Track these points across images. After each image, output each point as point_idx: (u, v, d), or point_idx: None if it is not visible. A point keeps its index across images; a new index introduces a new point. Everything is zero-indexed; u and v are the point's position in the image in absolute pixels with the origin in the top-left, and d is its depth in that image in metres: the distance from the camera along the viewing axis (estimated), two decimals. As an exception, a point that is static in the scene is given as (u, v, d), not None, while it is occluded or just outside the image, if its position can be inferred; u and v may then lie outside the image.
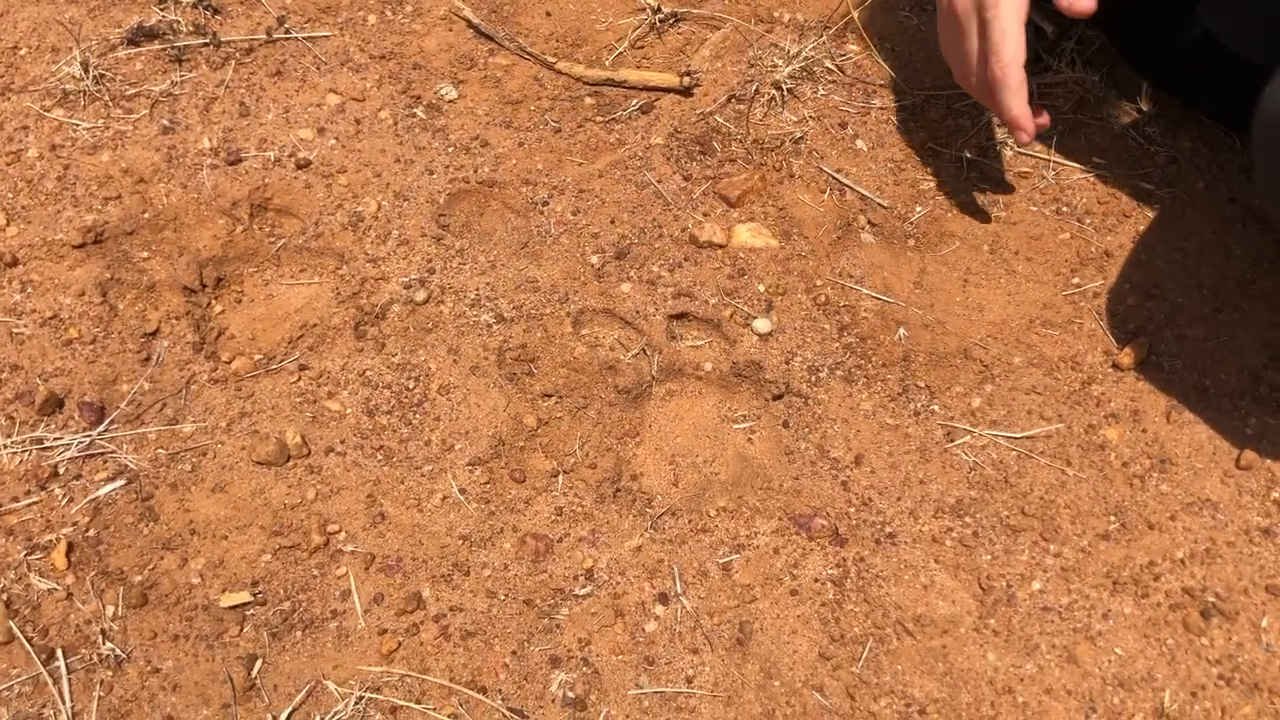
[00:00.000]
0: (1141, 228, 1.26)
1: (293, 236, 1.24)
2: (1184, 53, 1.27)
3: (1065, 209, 1.28)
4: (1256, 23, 1.13)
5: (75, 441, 1.06)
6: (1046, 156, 1.32)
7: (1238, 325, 1.17)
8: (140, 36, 1.44)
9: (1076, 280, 1.22)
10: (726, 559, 1.03)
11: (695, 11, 1.48)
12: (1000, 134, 1.34)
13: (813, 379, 1.15)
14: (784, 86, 1.38)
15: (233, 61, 1.41)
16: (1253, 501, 1.06)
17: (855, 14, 1.45)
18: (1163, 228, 1.26)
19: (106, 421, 1.08)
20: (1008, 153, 1.33)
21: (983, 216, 1.27)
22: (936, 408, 1.13)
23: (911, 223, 1.27)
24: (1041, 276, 1.23)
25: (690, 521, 1.05)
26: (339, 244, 1.23)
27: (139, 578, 0.99)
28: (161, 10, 1.47)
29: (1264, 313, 1.18)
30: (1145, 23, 1.30)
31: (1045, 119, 1.13)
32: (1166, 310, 1.19)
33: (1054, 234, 1.26)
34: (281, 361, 1.14)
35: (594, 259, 1.24)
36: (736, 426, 1.12)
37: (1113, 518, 1.05)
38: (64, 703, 0.92)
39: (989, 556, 1.03)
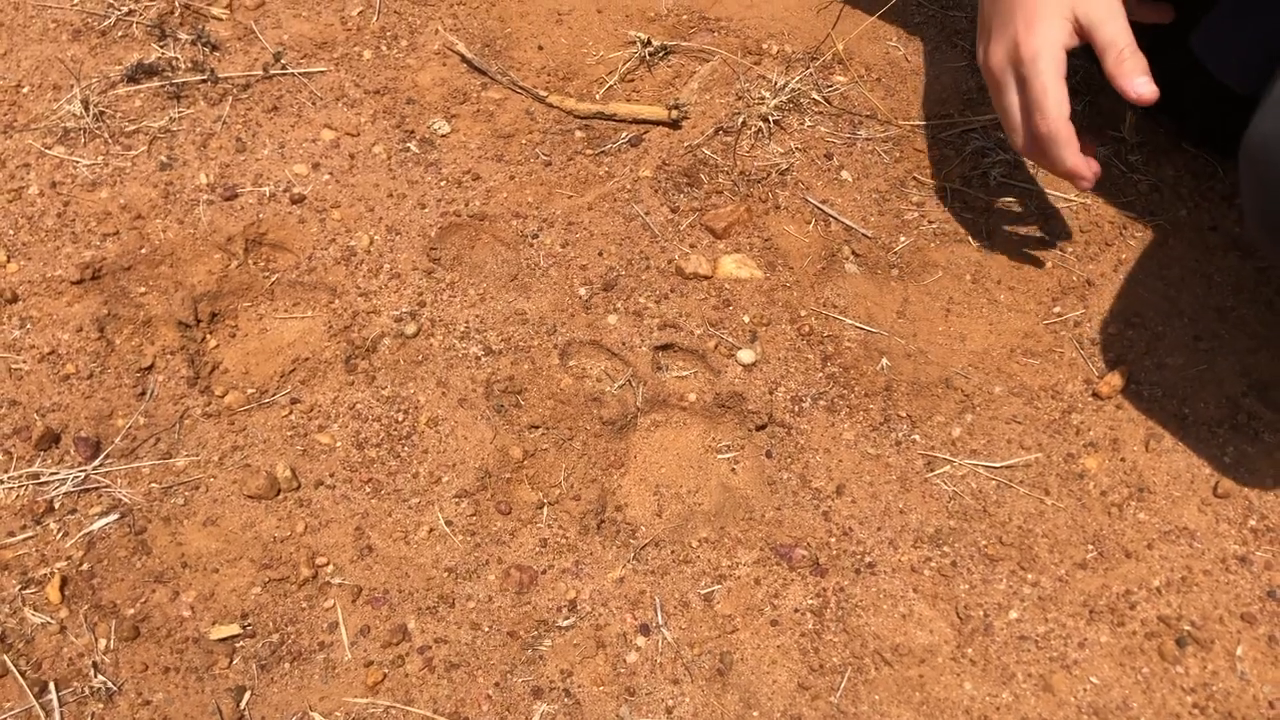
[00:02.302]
0: (1123, 256, 1.27)
1: (286, 271, 1.26)
2: (1172, 78, 1.28)
3: (1048, 238, 1.29)
4: (1246, 54, 1.14)
5: (71, 476, 1.08)
6: (1030, 185, 1.34)
7: (1217, 353, 1.19)
8: (140, 74, 1.47)
9: (1058, 309, 1.23)
10: (708, 590, 1.04)
11: (684, 44, 1.50)
12: (985, 164, 1.36)
13: (796, 409, 1.16)
14: (771, 118, 1.40)
15: (230, 98, 1.43)
16: (1229, 530, 1.07)
17: (841, 46, 1.47)
18: (1144, 256, 1.27)
19: (101, 456, 1.10)
20: (991, 182, 1.34)
21: (966, 246, 1.29)
22: (917, 437, 1.14)
23: (895, 253, 1.29)
24: (1023, 305, 1.24)
25: (673, 552, 1.07)
26: (331, 278, 1.25)
27: (131, 611, 1.01)
28: (161, 47, 1.50)
29: (1243, 340, 1.19)
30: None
31: (1097, 167, 1.12)
32: (1147, 339, 1.20)
33: (1036, 263, 1.27)
34: (274, 395, 1.16)
35: (582, 291, 1.26)
36: (720, 457, 1.14)
37: (1090, 546, 1.06)
38: (56, 735, 0.94)
39: (967, 586, 1.04)
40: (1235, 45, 1.13)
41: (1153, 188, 1.33)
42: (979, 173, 1.35)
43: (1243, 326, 1.20)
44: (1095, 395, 1.16)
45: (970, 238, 1.30)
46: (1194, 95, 1.25)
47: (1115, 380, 1.16)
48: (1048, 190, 1.33)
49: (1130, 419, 1.15)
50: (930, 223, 1.31)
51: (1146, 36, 1.27)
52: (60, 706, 0.95)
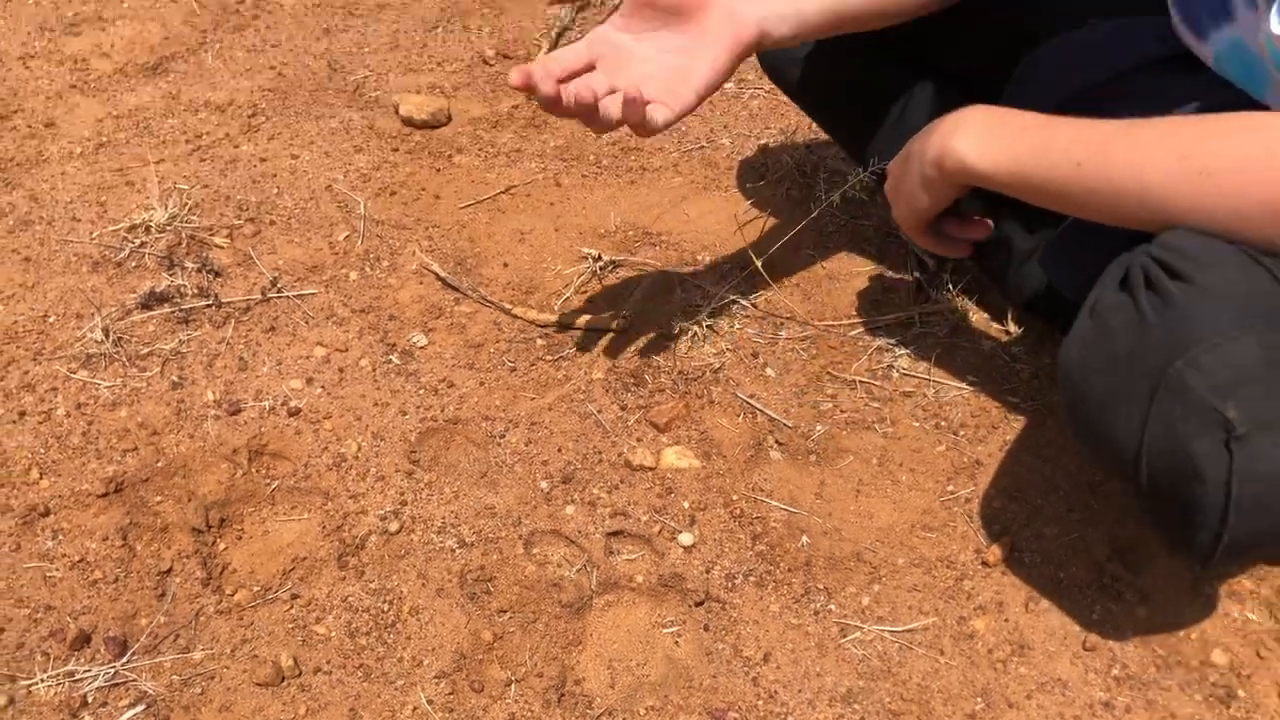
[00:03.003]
0: (1008, 437, 1.48)
1: (285, 478, 1.45)
2: (1036, 289, 1.51)
3: (943, 423, 1.50)
4: (1081, 276, 1.35)
5: (102, 673, 1.25)
6: (927, 377, 1.55)
7: (1087, 523, 1.38)
8: (153, 301, 1.68)
9: (951, 487, 1.43)
10: (654, 751, 1.21)
11: (630, 259, 1.73)
12: (888, 358, 1.57)
13: (729, 585, 1.35)
14: (705, 323, 1.62)
15: (232, 320, 1.65)
16: (1096, 679, 1.25)
17: (758, 263, 1.70)
18: (1026, 437, 1.48)
19: (129, 654, 1.27)
20: (894, 375, 1.56)
21: (872, 433, 1.49)
22: (833, 607, 1.33)
23: (813, 440, 1.49)
24: (922, 485, 1.44)
25: None
26: (324, 483, 1.44)
27: (158, 791, 1.17)
28: (170, 276, 1.72)
29: (1110, 511, 1.39)
30: (1004, 263, 1.55)
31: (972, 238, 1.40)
32: (1027, 511, 1.40)
33: (933, 446, 1.48)
34: (276, 592, 1.34)
35: (543, 484, 1.45)
36: (665, 631, 1.32)
37: (979, 699, 1.24)
38: None
39: (875, 739, 1.22)
40: (1071, 269, 1.36)
41: (1033, 375, 1.55)
42: (883, 366, 1.57)
43: (1110, 499, 1.40)
44: (984, 563, 1.35)
45: (876, 425, 1.50)
46: (1057, 301, 1.47)
47: (1000, 550, 1.35)
48: (943, 380, 1.55)
49: (1013, 584, 1.34)
50: (842, 412, 1.52)
51: (1010, 257, 1.50)
52: None
